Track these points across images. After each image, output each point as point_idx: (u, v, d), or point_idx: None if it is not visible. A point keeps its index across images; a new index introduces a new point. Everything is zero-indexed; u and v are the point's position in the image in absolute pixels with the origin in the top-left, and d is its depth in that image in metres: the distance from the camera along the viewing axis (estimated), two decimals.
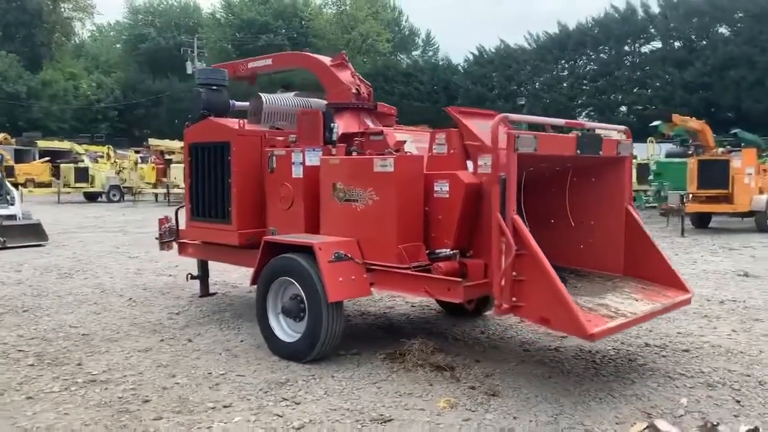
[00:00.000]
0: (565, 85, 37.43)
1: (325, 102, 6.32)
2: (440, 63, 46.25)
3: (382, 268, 4.68)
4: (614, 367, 4.63)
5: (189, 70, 54.62)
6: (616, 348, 5.08)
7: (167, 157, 29.02)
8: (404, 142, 5.21)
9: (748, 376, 4.43)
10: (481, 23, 75.65)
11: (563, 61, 38.20)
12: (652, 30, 35.11)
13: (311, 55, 6.42)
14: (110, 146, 33.82)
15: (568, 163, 4.83)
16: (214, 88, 6.03)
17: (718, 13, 31.49)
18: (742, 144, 18.44)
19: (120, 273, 8.87)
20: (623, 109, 35.70)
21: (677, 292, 4.65)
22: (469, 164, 4.68)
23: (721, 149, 15.16)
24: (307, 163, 5.23)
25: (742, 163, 14.86)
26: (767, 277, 8.49)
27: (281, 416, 3.74)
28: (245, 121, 5.77)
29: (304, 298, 4.65)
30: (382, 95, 45.58)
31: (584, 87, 37.52)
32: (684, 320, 5.96)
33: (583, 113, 36.56)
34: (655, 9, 34.70)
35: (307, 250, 4.69)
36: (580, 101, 37.38)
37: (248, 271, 8.03)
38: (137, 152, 32.64)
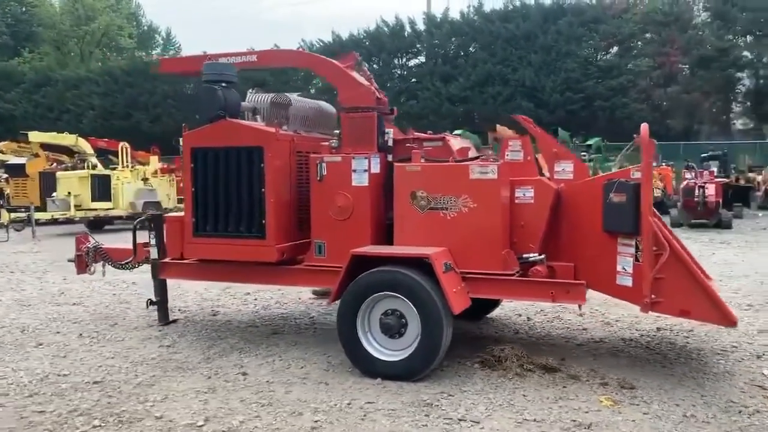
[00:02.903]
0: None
1: (329, 105, 6.00)
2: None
3: (482, 276, 4.64)
4: (671, 350, 5.19)
5: None
6: (639, 334, 5.68)
7: None
8: (469, 148, 5.21)
9: (766, 345, 5.32)
10: (227, 27, 74.15)
11: None
12: (419, 46, 38.15)
13: (316, 55, 5.98)
14: None
15: None
16: (224, 85, 5.31)
17: (476, 35, 35.36)
18: None
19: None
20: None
21: None
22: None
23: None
24: (372, 171, 4.94)
25: None
26: None
27: None
28: (276, 123, 5.20)
29: (415, 312, 4.39)
30: (145, 95, 42.59)
31: None
32: (623, 308, 6.60)
33: None
34: (421, 26, 37.81)
35: (412, 262, 4.47)
36: None
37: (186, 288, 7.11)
38: None
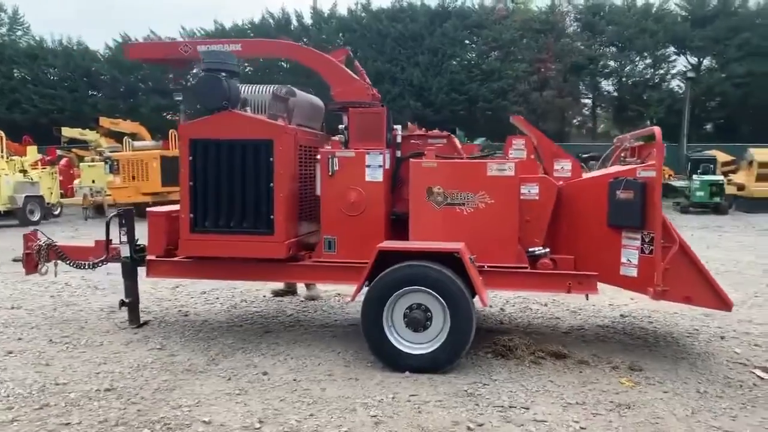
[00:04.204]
0: None
1: (319, 100, 5.93)
2: (75, 48, 41.35)
3: (497, 269, 4.82)
4: (647, 334, 5.67)
5: None
6: (609, 321, 6.14)
7: None
8: (480, 146, 5.36)
9: (720, 327, 5.94)
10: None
11: None
12: (306, 40, 37.80)
13: (308, 47, 5.88)
14: None
15: None
16: (224, 74, 5.08)
17: (365, 32, 35.67)
18: None
19: None
20: None
21: None
22: None
23: None
24: (386, 167, 4.97)
25: None
26: None
27: (544, 421, 3.74)
28: (286, 116, 5.07)
29: (443, 306, 4.48)
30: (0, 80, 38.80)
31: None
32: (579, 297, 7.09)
33: None
34: (309, 20, 37.54)
35: (439, 257, 4.56)
36: None
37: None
38: None
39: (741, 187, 21.26)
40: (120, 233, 5.65)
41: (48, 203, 18.70)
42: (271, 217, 4.91)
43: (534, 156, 5.25)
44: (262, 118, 5.03)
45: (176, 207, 5.77)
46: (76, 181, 21.25)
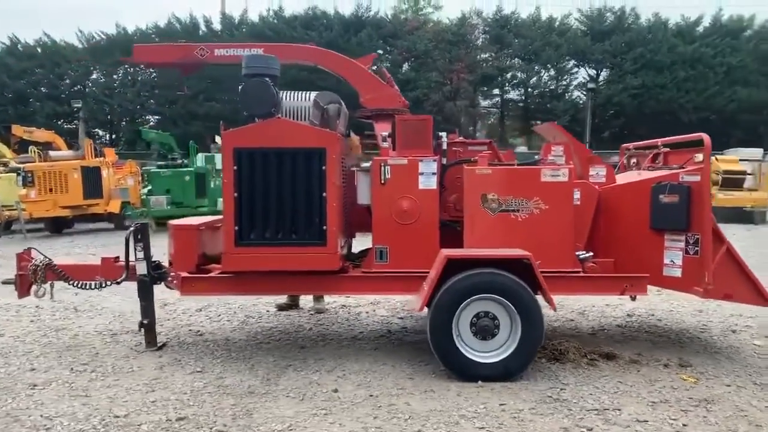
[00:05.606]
0: (129, 93, 35.52)
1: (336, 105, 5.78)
2: None
3: (555, 274, 4.87)
4: (667, 332, 5.93)
5: None
6: (623, 321, 6.38)
7: None
8: (515, 153, 5.41)
9: (722, 322, 6.32)
10: None
11: (127, 66, 36.27)
12: None
13: (334, 53, 5.70)
14: None
15: None
16: (267, 79, 4.85)
17: (278, 39, 35.09)
18: None
19: None
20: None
21: None
22: None
23: None
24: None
25: None
26: None
27: (646, 421, 3.82)
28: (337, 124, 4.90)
29: (514, 313, 4.48)
30: None
31: (146, 95, 36.41)
32: (579, 299, 7.38)
33: (152, 121, 35.83)
34: (218, 26, 36.47)
35: (506, 264, 4.56)
36: (150, 109, 36.42)
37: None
38: None
39: None
40: (136, 249, 5.24)
41: None
42: (324, 227, 4.73)
43: (572, 162, 5.37)
44: (311, 126, 4.84)
45: (201, 219, 5.48)
46: None
